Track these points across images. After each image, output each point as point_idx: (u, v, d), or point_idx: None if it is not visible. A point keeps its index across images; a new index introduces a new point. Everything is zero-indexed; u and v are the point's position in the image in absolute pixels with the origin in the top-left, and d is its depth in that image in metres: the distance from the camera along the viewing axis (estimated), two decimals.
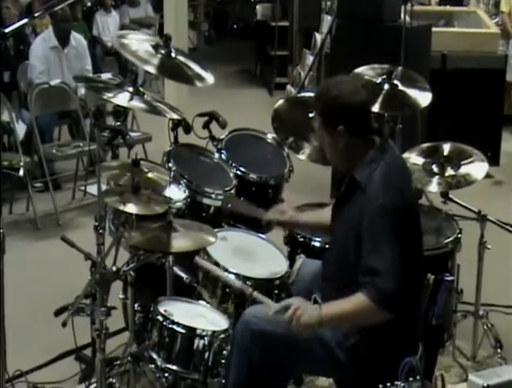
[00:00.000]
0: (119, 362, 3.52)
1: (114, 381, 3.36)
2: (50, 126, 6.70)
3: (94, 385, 3.24)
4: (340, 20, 6.64)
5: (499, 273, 4.59)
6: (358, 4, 6.05)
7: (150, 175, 3.23)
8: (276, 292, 3.14)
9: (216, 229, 3.24)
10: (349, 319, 2.71)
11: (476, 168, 3.91)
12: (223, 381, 2.93)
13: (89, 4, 10.88)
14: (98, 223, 3.07)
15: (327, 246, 3.09)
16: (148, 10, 11.16)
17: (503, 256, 4.77)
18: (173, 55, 3.66)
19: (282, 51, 10.71)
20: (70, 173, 6.60)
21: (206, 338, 2.98)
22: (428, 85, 4.27)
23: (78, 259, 3.08)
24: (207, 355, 2.98)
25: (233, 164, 3.85)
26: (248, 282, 3.13)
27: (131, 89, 3.17)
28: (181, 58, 3.70)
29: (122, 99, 3.13)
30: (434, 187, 3.90)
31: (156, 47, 3.63)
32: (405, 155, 3.91)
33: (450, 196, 3.89)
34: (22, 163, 5.81)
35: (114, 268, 3.01)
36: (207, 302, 3.20)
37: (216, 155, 3.91)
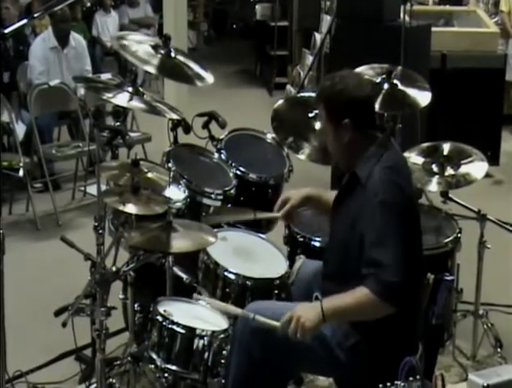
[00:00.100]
0: (119, 362, 3.52)
1: (114, 381, 3.36)
2: (50, 126, 6.71)
3: (94, 385, 3.24)
4: (339, 20, 6.64)
5: (499, 273, 4.59)
6: (358, 4, 6.06)
7: (150, 175, 3.23)
8: (276, 292, 3.14)
9: (215, 229, 3.23)
10: (351, 313, 2.69)
11: (476, 168, 3.91)
12: (223, 381, 2.93)
13: (88, 4, 10.87)
14: (97, 223, 3.07)
15: (327, 244, 3.08)
16: (148, 10, 11.16)
17: (503, 256, 4.77)
18: (172, 55, 3.66)
19: (281, 51, 10.71)
20: (70, 173, 6.60)
21: (205, 338, 2.98)
22: (428, 84, 4.27)
23: (78, 259, 3.08)
24: (206, 355, 2.98)
25: (233, 164, 3.85)
26: (248, 282, 3.13)
27: (130, 89, 3.17)
28: (180, 58, 3.70)
29: (121, 99, 3.13)
30: (433, 186, 3.90)
31: (155, 47, 3.63)
32: (405, 155, 3.90)
33: (450, 195, 3.89)
34: (21, 164, 5.81)
35: (114, 268, 3.01)
36: (208, 303, 3.19)
37: (216, 155, 3.91)
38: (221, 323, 3.05)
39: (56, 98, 6.42)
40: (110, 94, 3.14)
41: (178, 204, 3.51)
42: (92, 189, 6.07)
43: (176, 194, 3.52)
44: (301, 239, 3.57)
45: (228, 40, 14.56)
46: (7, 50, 6.90)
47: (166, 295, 3.31)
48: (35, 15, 3.28)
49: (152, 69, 3.65)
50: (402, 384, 2.06)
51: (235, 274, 3.14)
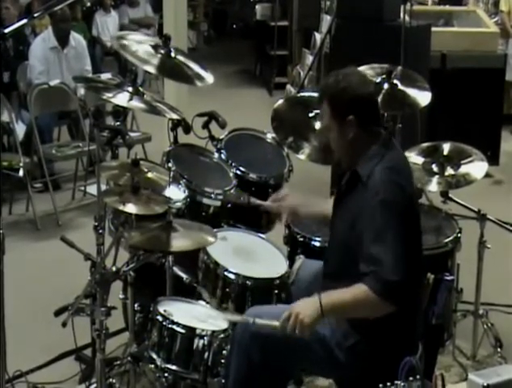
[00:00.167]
0: (119, 362, 3.52)
1: (114, 381, 3.36)
2: (50, 126, 6.71)
3: (94, 385, 3.24)
4: (339, 20, 6.64)
5: (499, 272, 4.59)
6: (358, 4, 6.06)
7: (150, 175, 3.23)
8: (276, 292, 3.14)
9: (215, 229, 3.23)
10: (349, 309, 2.69)
11: (476, 167, 3.91)
12: (223, 380, 2.93)
13: (88, 4, 10.88)
14: (97, 223, 3.07)
15: (327, 243, 3.09)
16: (148, 10, 11.16)
17: (503, 255, 4.77)
18: (172, 55, 3.66)
19: (281, 51, 10.71)
20: (70, 173, 6.60)
21: (205, 338, 2.98)
22: (427, 84, 4.27)
23: (78, 259, 3.08)
24: (206, 355, 2.98)
25: (233, 164, 3.85)
26: (248, 282, 3.13)
27: (130, 89, 3.17)
28: (180, 58, 3.70)
29: (121, 99, 3.13)
30: (433, 186, 3.90)
31: (155, 47, 3.63)
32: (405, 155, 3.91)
33: (449, 195, 3.89)
34: (21, 164, 5.81)
35: (114, 268, 3.01)
36: (207, 302, 3.20)
37: (216, 155, 3.90)
38: (221, 323, 3.05)
39: (56, 98, 6.42)
40: (110, 94, 3.14)
41: (178, 204, 3.51)
42: (92, 189, 6.07)
43: (176, 194, 3.52)
44: (301, 239, 3.57)
45: (228, 40, 14.56)
46: (7, 50, 6.90)
47: (166, 295, 3.31)
48: (35, 15, 3.28)
49: (152, 69, 3.65)
50: (402, 384, 2.06)
51: (235, 274, 3.14)
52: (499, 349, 3.92)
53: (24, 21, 2.97)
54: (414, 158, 3.95)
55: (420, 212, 2.91)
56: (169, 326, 2.99)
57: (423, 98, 4.18)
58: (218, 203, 3.64)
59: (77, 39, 6.99)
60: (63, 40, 6.81)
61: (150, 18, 11.10)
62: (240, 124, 4.15)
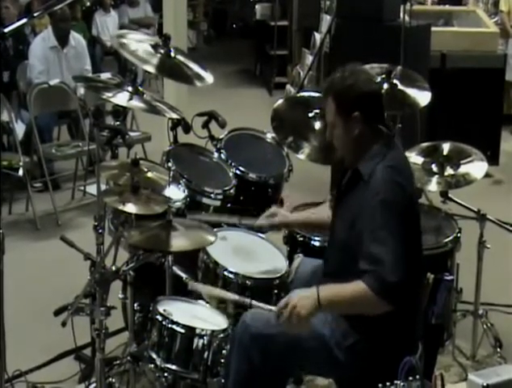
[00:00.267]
0: (118, 362, 3.52)
1: (113, 380, 3.36)
2: (49, 126, 6.71)
3: (94, 385, 3.24)
4: (339, 20, 6.64)
5: (498, 272, 4.59)
6: (358, 3, 6.05)
7: (150, 174, 3.23)
8: (276, 291, 3.14)
9: (215, 229, 3.24)
10: (346, 305, 2.69)
11: (476, 167, 3.91)
12: (222, 380, 2.93)
13: (88, 4, 10.86)
14: (97, 223, 3.08)
15: (327, 243, 3.09)
16: (148, 10, 11.16)
17: (502, 255, 4.77)
18: (172, 54, 3.66)
19: (281, 50, 10.71)
20: (70, 173, 6.60)
21: (205, 337, 2.98)
22: (427, 84, 4.27)
23: (78, 259, 3.08)
24: (206, 354, 2.98)
25: (233, 164, 3.85)
26: (247, 281, 3.13)
27: (130, 88, 3.17)
28: (180, 58, 3.70)
29: (121, 98, 3.13)
30: (433, 186, 3.90)
31: (155, 46, 3.63)
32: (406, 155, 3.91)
33: (449, 195, 3.89)
34: (21, 163, 5.81)
35: (113, 268, 3.01)
36: (207, 302, 3.20)
37: (216, 155, 3.91)
38: (221, 323, 3.05)
39: (56, 97, 6.41)
40: (110, 94, 3.14)
41: (178, 204, 3.51)
42: (92, 189, 6.07)
43: (176, 193, 3.52)
44: (301, 239, 3.57)
45: (227, 40, 14.55)
46: (7, 49, 6.91)
47: (166, 294, 3.31)
48: (35, 15, 3.28)
49: (151, 69, 3.65)
50: (402, 384, 2.06)
51: (234, 273, 3.14)
52: (499, 349, 3.92)
53: (24, 20, 2.98)
54: (414, 157, 3.96)
55: (420, 212, 2.91)
56: (169, 325, 2.99)
57: (423, 98, 4.19)
58: (218, 203, 3.64)
59: (76, 38, 6.99)
60: (63, 39, 6.81)
61: (150, 17, 11.09)
62: (240, 124, 4.15)
